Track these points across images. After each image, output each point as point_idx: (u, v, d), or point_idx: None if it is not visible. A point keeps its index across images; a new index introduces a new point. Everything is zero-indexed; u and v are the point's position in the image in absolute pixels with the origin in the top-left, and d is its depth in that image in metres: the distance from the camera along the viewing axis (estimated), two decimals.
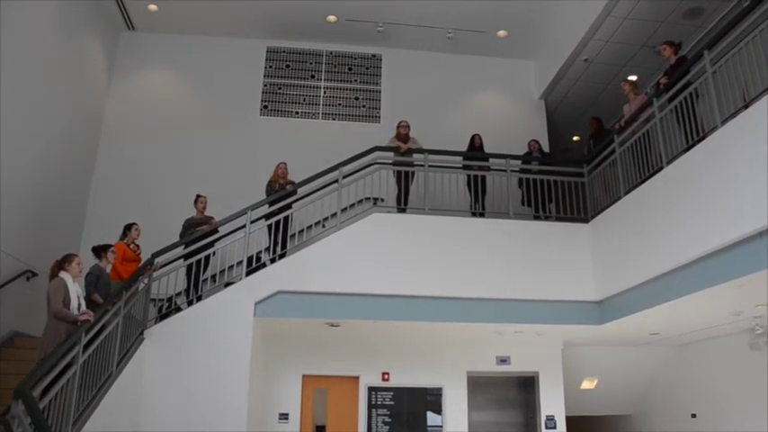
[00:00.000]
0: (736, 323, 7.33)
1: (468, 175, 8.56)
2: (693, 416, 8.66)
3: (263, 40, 10.60)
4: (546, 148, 9.95)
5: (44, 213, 8.03)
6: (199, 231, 7.55)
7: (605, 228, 7.52)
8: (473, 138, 9.21)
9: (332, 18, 10.08)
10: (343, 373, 8.39)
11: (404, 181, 8.50)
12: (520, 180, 8.51)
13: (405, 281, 7.24)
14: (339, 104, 10.55)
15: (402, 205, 8.43)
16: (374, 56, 10.86)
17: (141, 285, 6.82)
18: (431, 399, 8.45)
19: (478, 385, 8.75)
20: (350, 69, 10.76)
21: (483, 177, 8.50)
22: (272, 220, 7.58)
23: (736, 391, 7.87)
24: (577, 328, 7.76)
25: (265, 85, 10.47)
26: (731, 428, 7.76)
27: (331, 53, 10.75)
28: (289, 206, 7.72)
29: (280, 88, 10.51)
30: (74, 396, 5.01)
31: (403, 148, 8.34)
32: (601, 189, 7.83)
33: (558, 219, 8.16)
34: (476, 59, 11.01)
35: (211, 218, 7.90)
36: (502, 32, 10.41)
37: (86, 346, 5.30)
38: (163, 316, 7.07)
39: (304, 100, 10.49)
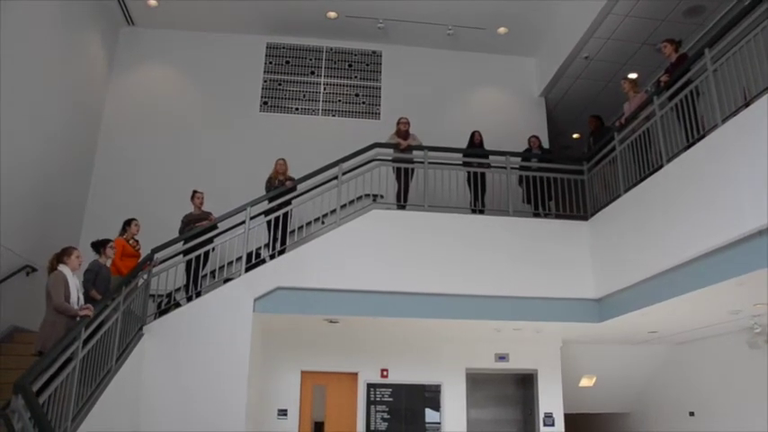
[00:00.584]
0: (735, 322, 7.34)
1: (468, 172, 8.56)
2: (691, 414, 8.68)
3: (262, 36, 10.58)
4: (546, 146, 9.94)
5: (44, 208, 8.03)
6: (198, 227, 7.54)
7: (605, 225, 7.52)
8: (473, 135, 9.21)
9: (332, 14, 10.06)
10: (341, 369, 8.40)
11: (403, 178, 8.49)
12: (520, 178, 8.51)
13: (404, 278, 7.24)
14: (339, 101, 10.53)
15: (402, 202, 8.42)
16: (374, 52, 10.85)
17: (140, 281, 6.82)
18: (429, 395, 8.46)
19: (477, 382, 8.77)
20: (350, 66, 10.75)
21: (483, 174, 8.50)
22: (272, 217, 7.58)
23: (734, 389, 7.88)
24: (576, 326, 7.77)
25: (265, 81, 10.46)
26: (729, 427, 7.78)
27: (331, 49, 10.73)
28: (288, 202, 7.72)
29: (280, 84, 10.49)
30: (73, 391, 5.01)
31: (403, 144, 8.34)
32: (600, 187, 7.83)
33: (558, 216, 8.15)
34: (476, 56, 11.00)
35: (210, 213, 7.90)
36: (502, 29, 10.39)
37: (86, 342, 5.31)
38: (162, 312, 7.06)
39: (304, 96, 10.48)
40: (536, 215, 8.21)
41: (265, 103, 10.38)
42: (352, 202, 8.19)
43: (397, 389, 8.40)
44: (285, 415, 8.02)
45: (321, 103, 10.48)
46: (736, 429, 7.66)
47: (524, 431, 8.88)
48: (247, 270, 7.18)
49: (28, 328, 7.09)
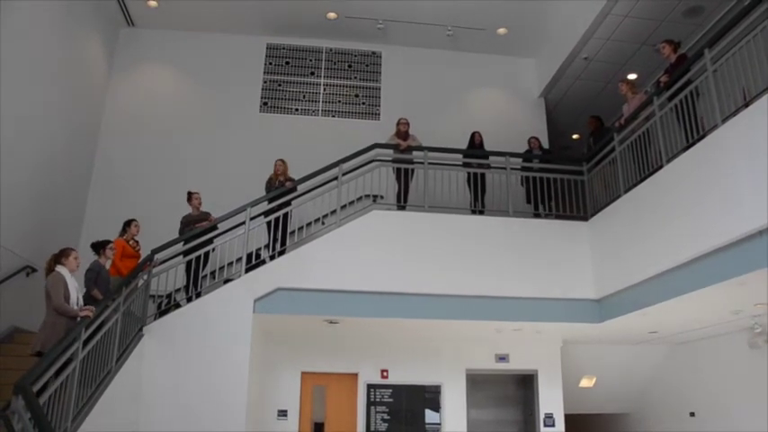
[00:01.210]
0: (736, 322, 7.34)
1: (468, 173, 8.57)
2: (692, 414, 8.68)
3: (262, 37, 10.58)
4: (546, 146, 9.95)
5: (44, 209, 8.03)
6: (198, 228, 7.54)
7: (605, 226, 7.52)
8: (473, 135, 9.21)
9: (332, 15, 10.07)
10: (342, 370, 8.39)
11: (403, 178, 8.50)
12: (522, 178, 8.52)
13: (404, 278, 7.24)
14: (339, 101, 10.54)
15: (402, 202, 8.42)
16: (374, 53, 10.85)
17: (140, 282, 6.81)
18: (430, 396, 8.45)
19: (477, 383, 8.76)
20: (350, 66, 10.75)
21: (482, 175, 8.51)
22: (272, 217, 7.57)
23: (734, 389, 7.88)
24: (576, 326, 7.77)
25: (265, 82, 10.46)
26: (730, 427, 7.78)
27: (331, 50, 10.74)
28: (288, 203, 7.72)
29: (279, 85, 10.50)
30: (73, 392, 5.01)
31: (403, 145, 8.34)
32: (600, 187, 7.83)
33: (558, 217, 8.15)
34: (476, 57, 11.01)
35: (209, 214, 7.90)
36: (502, 30, 10.40)
37: (86, 342, 5.30)
38: (162, 312, 7.06)
39: (304, 97, 10.48)
40: (536, 216, 8.22)
41: (265, 103, 10.38)
42: (352, 202, 8.20)
43: (398, 389, 8.40)
44: (285, 416, 8.01)
45: (321, 103, 10.49)
46: (736, 429, 7.65)
47: None
48: (247, 271, 7.18)
49: (28, 328, 7.09)
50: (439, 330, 8.12)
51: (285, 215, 7.57)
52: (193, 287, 7.35)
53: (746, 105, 5.20)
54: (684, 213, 5.82)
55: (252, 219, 7.38)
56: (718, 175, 5.35)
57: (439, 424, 8.34)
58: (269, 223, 7.65)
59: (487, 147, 9.11)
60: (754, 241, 4.95)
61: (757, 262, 4.91)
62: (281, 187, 7.90)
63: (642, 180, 6.74)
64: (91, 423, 5.21)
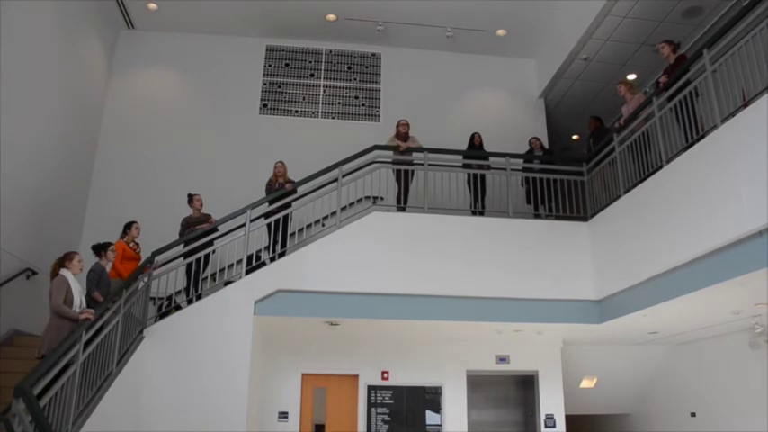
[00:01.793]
0: (736, 322, 7.34)
1: (468, 174, 8.57)
2: (693, 415, 8.67)
3: (262, 39, 10.59)
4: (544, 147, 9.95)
5: (44, 212, 8.03)
6: (198, 230, 7.55)
7: (605, 226, 7.52)
8: (473, 136, 9.22)
9: (331, 17, 10.07)
10: (342, 371, 8.39)
11: (403, 180, 8.50)
12: (523, 178, 8.53)
13: (404, 279, 7.24)
14: (338, 103, 10.54)
15: (402, 204, 8.43)
16: (373, 54, 10.86)
17: (141, 284, 6.82)
18: (430, 397, 8.46)
19: (478, 384, 8.76)
20: (349, 68, 10.76)
21: (483, 176, 8.51)
22: (272, 219, 7.58)
23: (735, 390, 7.87)
24: (577, 327, 7.77)
25: (265, 84, 10.47)
26: (730, 427, 7.77)
27: (330, 52, 10.75)
28: (288, 205, 7.72)
29: (279, 87, 10.50)
30: (74, 394, 5.02)
31: (402, 146, 8.34)
32: (600, 188, 7.84)
33: (558, 217, 8.16)
34: (475, 58, 11.01)
35: (209, 215, 7.91)
36: (501, 31, 10.41)
37: (86, 345, 5.31)
38: (162, 314, 7.06)
39: (303, 99, 10.48)
40: (536, 216, 8.22)
41: (265, 105, 10.38)
42: (352, 204, 8.19)
43: (398, 391, 8.39)
44: (286, 417, 8.01)
45: (321, 105, 10.49)
46: (737, 430, 7.64)
47: None
48: (248, 273, 7.18)
49: (28, 331, 7.10)
50: (439, 331, 8.12)
51: (285, 217, 7.57)
52: (194, 289, 7.35)
53: (745, 105, 5.20)
54: (684, 213, 5.82)
55: (252, 221, 7.38)
56: (718, 175, 5.35)
57: (440, 425, 8.34)
58: (269, 225, 7.65)
59: (487, 148, 9.12)
60: (754, 241, 4.96)
61: (757, 262, 4.91)
62: (281, 189, 7.90)
63: (642, 180, 6.75)
64: (92, 425, 5.21)
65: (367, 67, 10.80)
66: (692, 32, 9.02)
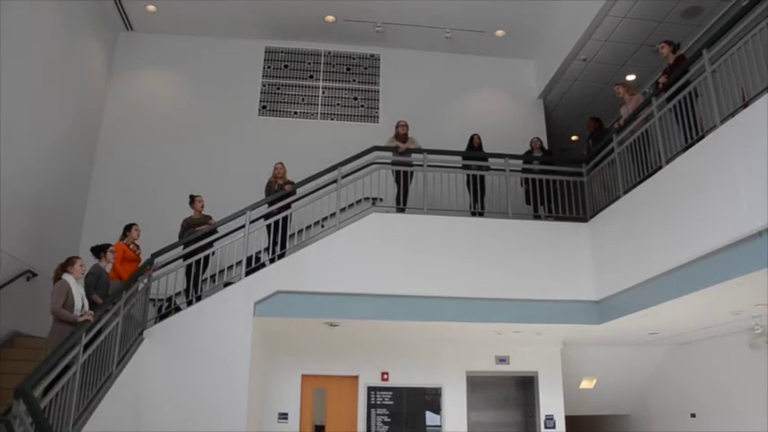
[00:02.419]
0: (736, 322, 7.34)
1: (467, 175, 8.57)
2: (693, 415, 8.67)
3: (261, 41, 10.59)
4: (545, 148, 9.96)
5: (44, 213, 8.02)
6: (198, 231, 7.54)
7: (604, 227, 7.53)
8: (472, 138, 9.22)
9: (330, 18, 10.08)
10: (342, 372, 8.39)
11: (403, 181, 8.51)
12: (522, 179, 8.54)
13: (404, 281, 7.24)
14: (338, 104, 10.55)
15: (401, 205, 8.43)
16: (372, 56, 10.87)
17: (141, 285, 6.82)
18: (430, 398, 8.46)
19: (478, 385, 8.76)
20: (348, 69, 10.76)
21: (482, 177, 8.51)
22: (272, 220, 7.58)
23: (735, 390, 7.87)
24: (576, 328, 7.77)
25: (264, 85, 10.47)
26: (731, 428, 7.76)
27: (329, 53, 10.75)
28: (288, 206, 7.72)
29: (278, 88, 10.50)
30: (74, 396, 5.01)
31: (402, 147, 8.34)
32: (600, 188, 7.84)
33: (557, 218, 8.17)
34: (474, 59, 11.02)
35: (210, 217, 7.90)
36: (500, 32, 10.42)
37: (87, 346, 5.31)
38: (162, 316, 7.07)
39: (302, 100, 10.49)
40: (536, 217, 8.23)
41: (264, 107, 10.39)
42: (351, 205, 8.19)
43: (398, 392, 8.39)
44: (286, 418, 8.01)
45: (320, 106, 10.49)
46: (737, 431, 7.64)
47: None
48: (247, 274, 7.18)
49: (28, 333, 7.09)
50: (439, 332, 8.12)
51: (285, 218, 7.57)
52: (194, 291, 7.34)
53: (745, 106, 5.21)
54: (684, 214, 5.83)
55: (252, 222, 7.38)
56: (718, 176, 5.35)
57: (439, 426, 8.34)
58: (269, 226, 7.65)
59: (486, 148, 9.12)
60: (753, 242, 4.96)
61: (757, 262, 4.91)
62: (280, 190, 7.90)
63: (641, 181, 6.76)
64: (92, 426, 5.21)
65: (366, 69, 10.81)
66: (691, 33, 9.03)
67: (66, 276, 5.67)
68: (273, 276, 7.12)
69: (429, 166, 8.06)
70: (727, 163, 5.25)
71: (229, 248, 7.44)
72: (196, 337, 6.73)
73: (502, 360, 8.74)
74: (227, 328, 6.80)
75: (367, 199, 8.37)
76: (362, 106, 10.60)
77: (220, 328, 6.79)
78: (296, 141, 9.99)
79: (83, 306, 5.67)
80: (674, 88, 6.37)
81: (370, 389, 8.36)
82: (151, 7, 9.72)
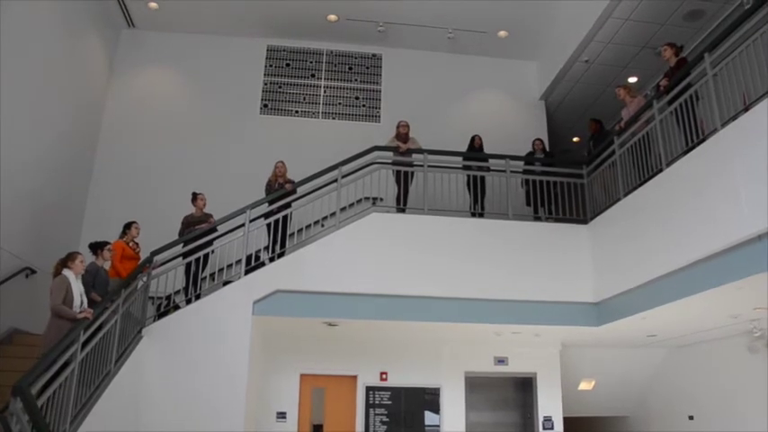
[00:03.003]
0: (734, 326, 7.33)
1: (468, 176, 8.56)
2: (691, 418, 8.67)
3: (263, 39, 10.59)
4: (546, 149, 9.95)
5: (44, 211, 8.03)
6: (198, 229, 7.55)
7: (604, 229, 7.52)
8: (473, 139, 9.22)
9: (332, 17, 10.07)
10: (341, 372, 8.39)
11: (403, 181, 8.50)
12: (523, 180, 8.53)
13: (403, 281, 7.23)
14: (339, 104, 10.54)
15: (401, 205, 8.43)
16: (374, 55, 10.86)
17: (140, 283, 6.82)
18: (428, 398, 8.45)
19: (476, 385, 8.76)
20: (350, 69, 10.76)
21: (482, 178, 8.50)
22: (271, 219, 7.58)
23: (733, 393, 7.87)
24: (575, 330, 7.76)
25: (265, 84, 10.47)
26: (729, 431, 7.76)
27: (331, 52, 10.75)
28: (288, 205, 7.72)
29: (280, 87, 10.50)
30: (72, 393, 5.01)
31: (402, 147, 8.34)
32: (600, 190, 7.83)
33: (557, 220, 8.16)
34: (476, 60, 11.01)
35: (210, 215, 7.90)
36: (503, 33, 10.41)
37: (85, 344, 5.31)
38: (161, 314, 7.06)
39: (304, 99, 10.49)
40: (536, 219, 8.22)
41: (265, 105, 10.38)
42: (351, 205, 8.18)
43: (396, 392, 8.40)
44: (284, 418, 8.01)
45: (321, 105, 10.49)
46: None
47: None
48: (247, 273, 7.18)
49: (27, 330, 7.10)
50: (438, 333, 8.11)
51: (285, 217, 7.57)
52: (193, 289, 7.34)
53: (746, 109, 5.20)
54: (683, 217, 5.82)
55: (252, 221, 7.38)
56: (718, 179, 5.35)
57: (438, 426, 8.34)
58: (269, 225, 7.65)
59: (487, 149, 9.11)
60: (753, 245, 4.95)
61: (757, 266, 4.90)
62: (280, 189, 7.90)
63: (642, 184, 6.75)
64: (89, 425, 5.21)
65: (368, 68, 10.80)
66: (693, 35, 9.01)
67: (66, 272, 5.64)
68: (273, 275, 7.12)
69: (429, 166, 8.06)
70: (727, 166, 5.24)
71: (229, 247, 7.44)
72: (195, 336, 6.73)
73: (501, 361, 8.74)
74: (226, 327, 6.80)
75: (367, 199, 8.37)
76: (364, 106, 10.60)
77: (219, 326, 6.79)
78: (297, 140, 9.99)
79: (81, 303, 5.66)
80: (675, 91, 6.36)
81: (368, 388, 8.37)
82: (153, 4, 9.72)
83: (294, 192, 7.80)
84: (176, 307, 7.22)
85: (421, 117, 9.80)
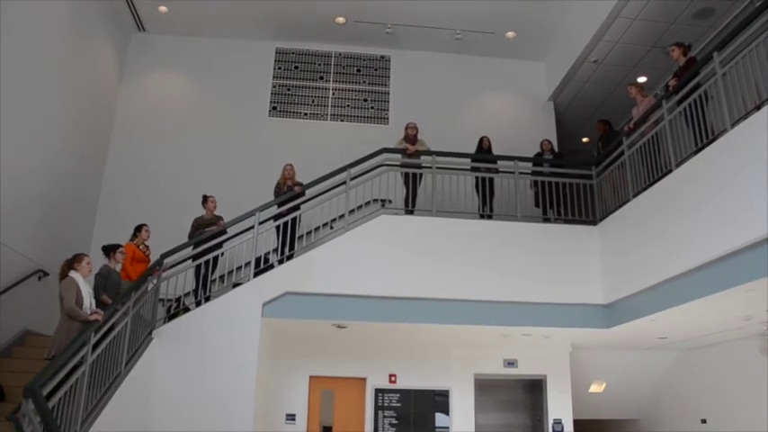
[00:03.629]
0: (746, 327, 7.26)
1: (476, 177, 8.55)
2: (704, 421, 8.58)
3: (272, 42, 10.64)
4: (555, 150, 9.91)
5: (55, 213, 8.11)
6: (207, 232, 7.59)
7: (614, 230, 7.48)
8: (481, 140, 9.21)
9: (340, 19, 10.10)
10: (350, 374, 8.40)
11: (412, 183, 8.50)
12: (532, 181, 8.50)
13: (412, 283, 7.23)
14: (348, 106, 10.57)
15: (410, 207, 8.42)
16: (383, 57, 10.87)
17: (150, 286, 6.86)
18: (438, 401, 8.44)
19: (485, 388, 8.73)
20: (358, 71, 10.78)
21: (491, 179, 8.48)
22: (280, 222, 7.61)
23: (746, 396, 7.78)
24: (585, 332, 7.72)
25: (274, 87, 10.51)
26: None
27: (340, 54, 10.78)
28: (297, 207, 7.75)
29: (288, 89, 10.54)
30: (83, 395, 5.06)
31: (411, 149, 8.34)
32: (609, 191, 7.79)
33: (567, 221, 8.12)
34: (484, 61, 10.99)
35: (220, 218, 7.95)
36: (511, 34, 10.39)
37: (95, 346, 5.36)
38: (171, 316, 7.11)
39: (313, 101, 10.52)
40: (545, 220, 8.19)
41: (274, 108, 10.43)
42: (360, 207, 8.18)
43: (406, 394, 8.39)
44: (293, 420, 8.03)
45: (330, 108, 10.52)
46: None
47: None
48: (256, 275, 7.21)
49: (40, 331, 7.17)
50: (447, 335, 8.10)
51: (294, 219, 7.59)
52: (202, 291, 7.38)
53: (757, 109, 5.15)
54: (693, 218, 5.78)
55: (261, 223, 7.41)
56: (728, 180, 5.30)
57: (447, 428, 8.32)
58: (278, 227, 7.68)
59: (496, 151, 9.10)
60: (764, 246, 4.89)
61: None
62: (289, 192, 7.92)
63: (651, 184, 6.70)
64: (100, 426, 5.26)
65: (376, 70, 10.82)
66: (703, 34, 8.94)
67: (72, 274, 5.64)
68: (282, 277, 7.14)
69: (438, 168, 8.05)
70: (737, 167, 5.20)
71: (238, 249, 7.47)
72: (204, 338, 6.76)
73: (510, 363, 8.71)
74: (235, 329, 6.83)
75: (376, 201, 8.36)
76: (372, 108, 10.61)
77: (229, 328, 6.82)
78: (306, 142, 10.02)
79: (91, 304, 5.68)
80: (684, 91, 6.31)
81: (377, 391, 8.36)
82: (163, 8, 9.79)
83: (303, 194, 7.82)
84: (186, 309, 7.26)
85: (429, 118, 9.79)
